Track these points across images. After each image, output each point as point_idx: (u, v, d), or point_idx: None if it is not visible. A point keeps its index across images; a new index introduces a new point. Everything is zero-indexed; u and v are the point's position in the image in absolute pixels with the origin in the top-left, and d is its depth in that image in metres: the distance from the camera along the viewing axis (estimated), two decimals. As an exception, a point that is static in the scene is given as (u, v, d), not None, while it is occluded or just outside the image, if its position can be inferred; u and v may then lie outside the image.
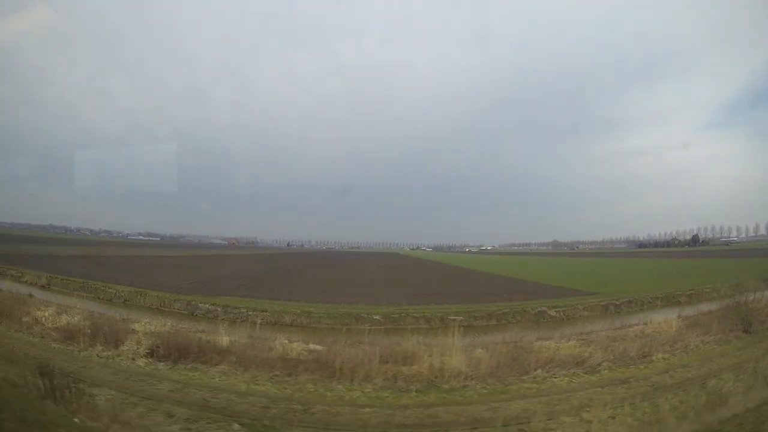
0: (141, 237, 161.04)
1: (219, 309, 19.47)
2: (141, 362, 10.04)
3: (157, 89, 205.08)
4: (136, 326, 12.58)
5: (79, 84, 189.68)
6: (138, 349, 10.49)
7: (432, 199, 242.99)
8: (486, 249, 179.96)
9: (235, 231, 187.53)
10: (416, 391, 9.04)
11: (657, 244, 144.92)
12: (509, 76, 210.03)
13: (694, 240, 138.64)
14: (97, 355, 10.38)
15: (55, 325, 12.65)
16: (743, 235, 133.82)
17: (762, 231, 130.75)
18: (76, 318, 13.16)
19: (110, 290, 22.25)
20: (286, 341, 12.45)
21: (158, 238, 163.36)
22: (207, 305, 20.08)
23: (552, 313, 23.67)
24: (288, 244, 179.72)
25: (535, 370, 10.33)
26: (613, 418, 6.91)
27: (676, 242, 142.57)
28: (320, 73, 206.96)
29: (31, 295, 18.52)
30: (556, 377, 10.00)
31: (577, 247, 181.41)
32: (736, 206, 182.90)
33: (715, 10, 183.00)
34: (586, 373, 10.24)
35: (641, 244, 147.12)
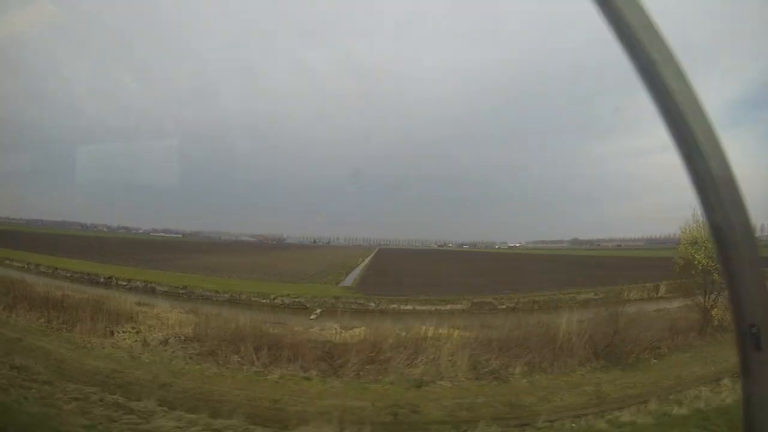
0: (162, 234, 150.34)
1: None
2: None
3: (165, 85, 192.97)
4: None
5: (88, 79, 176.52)
6: None
7: (449, 197, 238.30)
8: (516, 246, 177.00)
9: (250, 228, 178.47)
10: None
11: (666, 241, 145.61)
12: (521, 75, 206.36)
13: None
14: None
15: None
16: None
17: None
18: None
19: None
20: None
21: (180, 235, 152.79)
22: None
23: None
24: (314, 241, 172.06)
25: None
26: None
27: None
28: (331, 70, 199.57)
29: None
30: None
31: (599, 245, 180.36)
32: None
33: (723, 8, 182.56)
34: None
35: (650, 241, 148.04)
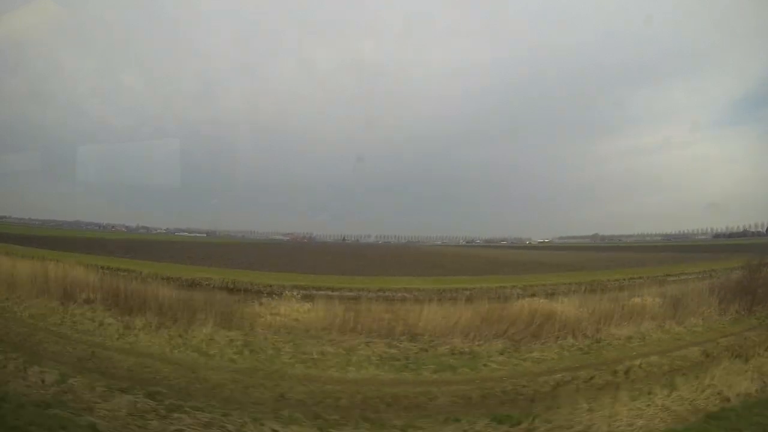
0: (186, 233, 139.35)
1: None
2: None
3: (171, 83, 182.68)
4: None
5: (91, 79, 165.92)
6: None
7: (467, 195, 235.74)
8: (544, 241, 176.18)
9: (272, 226, 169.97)
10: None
11: (731, 235, 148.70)
12: (532, 72, 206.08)
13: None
14: None
15: None
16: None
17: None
18: None
19: None
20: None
21: (204, 234, 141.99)
22: None
23: None
24: (343, 239, 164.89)
25: None
26: None
27: (749, 233, 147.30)
28: (338, 69, 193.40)
29: None
30: None
31: (620, 240, 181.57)
32: (746, 204, 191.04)
33: (725, 7, 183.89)
34: None
35: (717, 235, 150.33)
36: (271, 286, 21.53)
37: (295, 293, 17.22)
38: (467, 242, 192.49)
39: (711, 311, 14.73)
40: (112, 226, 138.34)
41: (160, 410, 6.35)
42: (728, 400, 6.96)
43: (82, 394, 6.62)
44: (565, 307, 13.95)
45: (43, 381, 7.13)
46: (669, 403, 6.80)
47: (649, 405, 6.73)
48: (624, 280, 24.79)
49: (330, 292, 19.31)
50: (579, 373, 9.38)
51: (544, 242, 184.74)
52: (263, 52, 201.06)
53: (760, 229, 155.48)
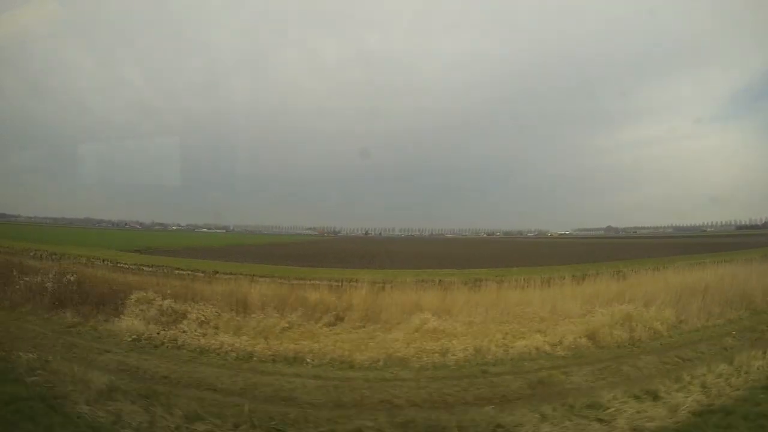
0: (205, 230, 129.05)
1: None
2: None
3: (176, 80, 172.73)
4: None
5: (94, 76, 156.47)
6: None
7: (482, 190, 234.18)
8: (565, 234, 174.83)
9: (279, 220, 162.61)
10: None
11: (754, 227, 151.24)
12: (542, 66, 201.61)
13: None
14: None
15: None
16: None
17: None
18: None
19: None
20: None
21: (223, 230, 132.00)
22: None
23: None
24: (366, 233, 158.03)
25: None
26: None
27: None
28: (343, 62, 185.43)
29: None
30: None
31: (635, 232, 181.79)
32: (755, 197, 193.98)
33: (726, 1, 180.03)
34: None
35: (741, 227, 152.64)
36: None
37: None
38: (488, 234, 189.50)
39: None
40: (125, 223, 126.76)
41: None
42: None
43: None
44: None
45: None
46: None
47: None
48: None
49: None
50: None
51: (564, 234, 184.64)
52: (268, 46, 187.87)
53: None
